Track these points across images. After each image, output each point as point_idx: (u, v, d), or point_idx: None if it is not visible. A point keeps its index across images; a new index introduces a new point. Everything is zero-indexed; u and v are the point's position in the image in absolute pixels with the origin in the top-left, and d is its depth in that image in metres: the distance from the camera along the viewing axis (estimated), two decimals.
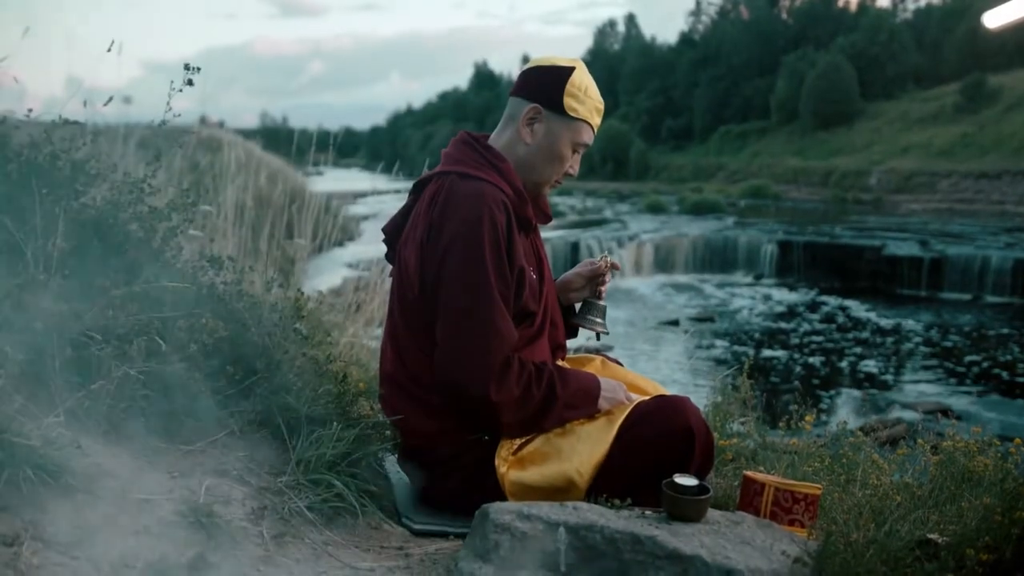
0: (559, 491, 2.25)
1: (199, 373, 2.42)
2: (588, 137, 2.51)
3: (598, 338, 2.75)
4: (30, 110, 2.60)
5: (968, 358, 15.68)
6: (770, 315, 19.73)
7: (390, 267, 2.60)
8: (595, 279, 2.73)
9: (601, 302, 2.73)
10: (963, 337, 17.31)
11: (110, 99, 2.67)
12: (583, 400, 2.40)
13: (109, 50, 2.64)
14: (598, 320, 2.71)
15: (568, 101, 2.44)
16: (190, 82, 2.60)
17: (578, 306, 2.77)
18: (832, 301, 21.06)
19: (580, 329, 2.76)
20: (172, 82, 2.60)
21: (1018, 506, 1.99)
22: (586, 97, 2.46)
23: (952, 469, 2.51)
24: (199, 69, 2.60)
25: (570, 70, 2.46)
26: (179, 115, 2.66)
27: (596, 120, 2.51)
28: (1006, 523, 1.97)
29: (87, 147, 2.62)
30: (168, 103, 2.63)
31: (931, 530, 2.12)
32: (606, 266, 2.71)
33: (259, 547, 2.00)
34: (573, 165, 2.54)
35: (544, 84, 2.46)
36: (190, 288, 2.59)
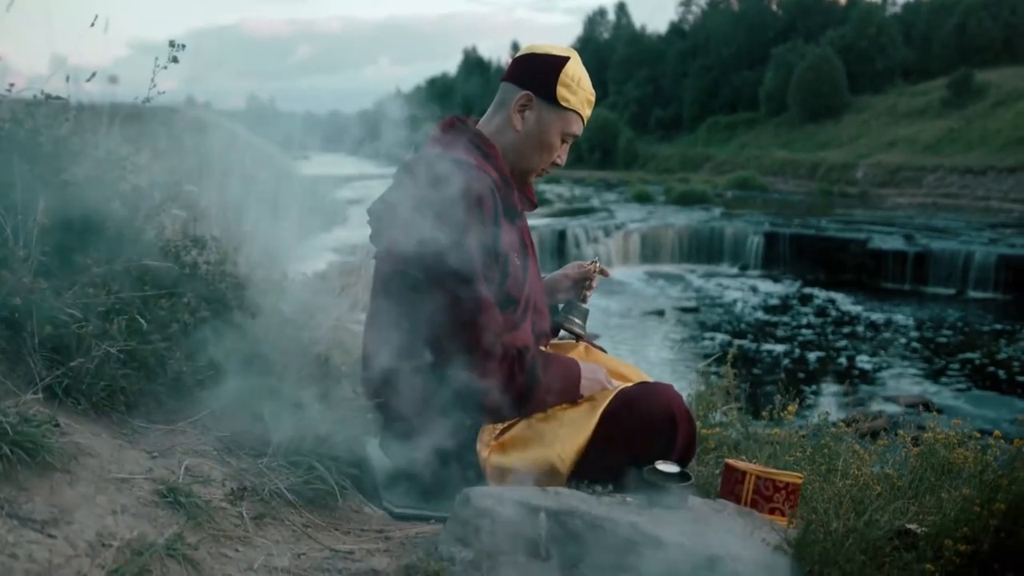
0: (541, 476, 2.25)
1: (180, 353, 2.41)
2: (578, 128, 2.51)
3: (577, 340, 2.74)
4: (12, 85, 2.57)
5: (950, 352, 15.80)
6: (755, 306, 19.81)
7: (374, 249, 2.58)
8: (582, 282, 2.74)
9: (584, 305, 2.74)
10: (946, 331, 17.42)
11: (93, 75, 2.64)
12: (565, 385, 2.39)
13: (93, 25, 2.61)
14: (577, 322, 2.71)
15: (561, 91, 2.44)
16: (175, 59, 2.58)
17: (561, 306, 2.77)
18: (817, 293, 21.16)
19: (560, 330, 2.75)
20: (157, 59, 2.57)
21: (996, 498, 2.00)
22: (578, 88, 2.46)
23: (932, 461, 2.52)
24: (184, 46, 2.58)
25: (564, 60, 2.46)
26: (163, 93, 2.63)
27: (587, 112, 2.51)
28: (984, 514, 1.98)
29: (70, 124, 2.60)
30: (153, 81, 2.61)
31: (910, 520, 2.13)
32: (595, 271, 2.72)
33: (238, 528, 1.99)
34: (561, 155, 2.54)
35: (538, 72, 2.46)
36: (172, 267, 2.57)
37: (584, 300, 2.74)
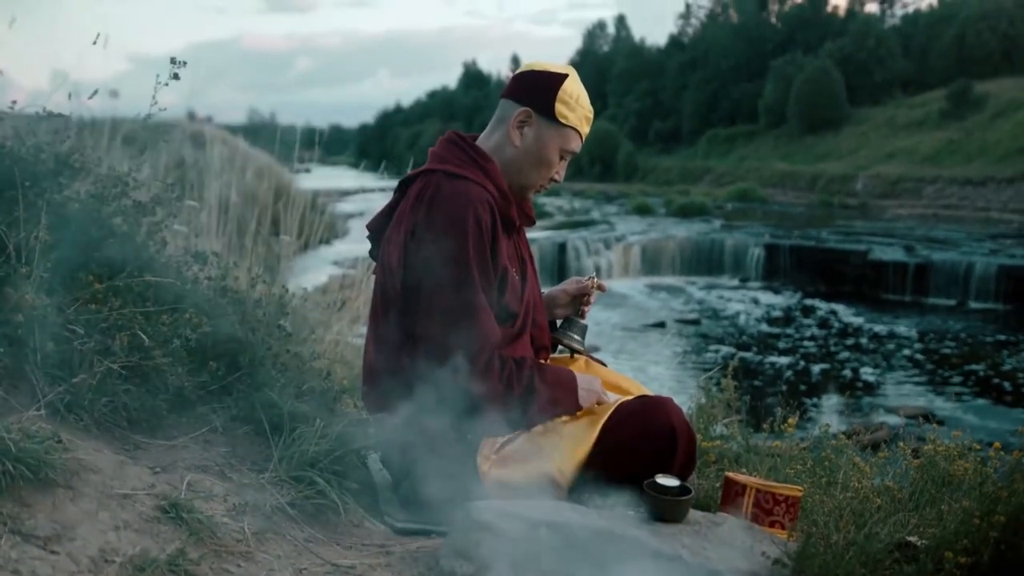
0: (541, 490, 2.25)
1: (182, 368, 2.41)
2: (576, 145, 2.52)
3: (572, 356, 2.75)
4: (14, 102, 2.59)
5: (951, 363, 15.77)
6: (756, 318, 19.80)
7: (374, 264, 2.60)
8: (580, 297, 2.74)
9: (583, 321, 2.74)
10: (947, 342, 17.40)
11: (95, 92, 2.66)
12: (562, 395, 2.40)
13: (95, 43, 2.63)
14: (576, 338, 2.71)
15: (559, 108, 2.46)
16: (176, 76, 2.60)
17: (559, 322, 2.78)
18: (818, 305, 21.14)
19: (558, 345, 2.76)
20: (158, 76, 2.59)
21: (996, 510, 2.00)
22: (577, 105, 2.48)
23: (932, 473, 2.53)
24: (185, 63, 2.60)
25: (563, 77, 2.48)
26: (164, 109, 2.65)
27: (585, 129, 2.53)
28: (984, 526, 1.98)
29: (71, 140, 2.61)
30: (154, 97, 2.62)
31: (910, 533, 2.13)
32: (593, 286, 2.73)
33: (240, 543, 1.99)
34: (559, 171, 2.56)
35: (537, 89, 2.48)
36: (174, 283, 2.58)
37: (582, 315, 2.75)
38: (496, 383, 2.29)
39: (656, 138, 65.94)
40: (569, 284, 2.78)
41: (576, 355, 2.75)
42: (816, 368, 15.41)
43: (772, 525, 2.27)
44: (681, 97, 65.95)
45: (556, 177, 2.56)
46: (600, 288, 2.74)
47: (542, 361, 2.61)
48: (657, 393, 2.57)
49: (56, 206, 2.42)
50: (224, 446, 2.36)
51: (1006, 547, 1.96)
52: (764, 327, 18.93)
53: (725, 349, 16.43)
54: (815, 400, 13.19)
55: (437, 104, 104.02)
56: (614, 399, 2.46)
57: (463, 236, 2.29)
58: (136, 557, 1.74)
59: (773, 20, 67.40)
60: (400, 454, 2.43)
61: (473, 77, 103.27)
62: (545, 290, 2.80)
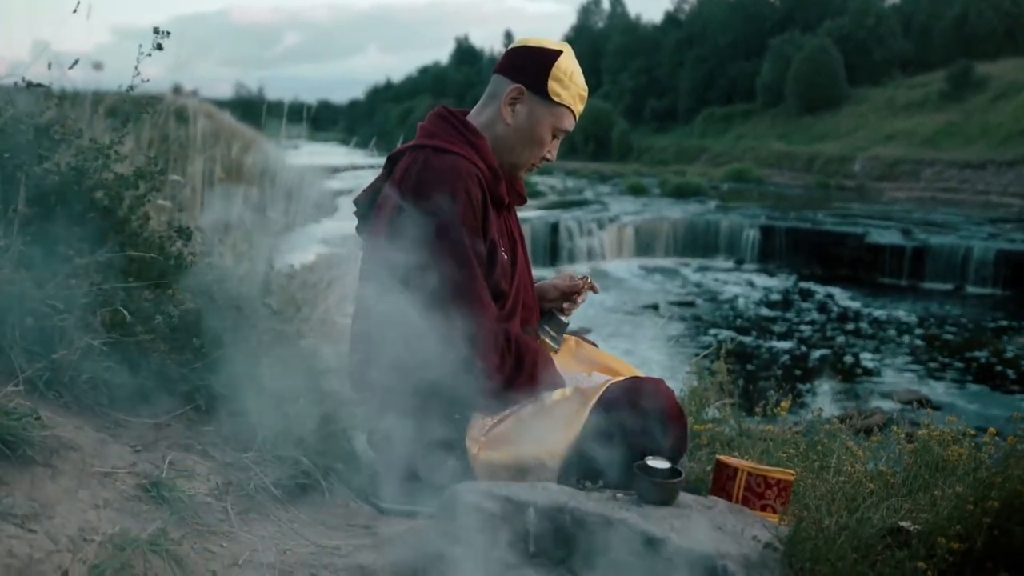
0: (530, 472, 2.23)
1: (164, 345, 2.39)
2: (569, 123, 2.49)
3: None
4: None
5: (948, 348, 15.77)
6: (751, 301, 19.79)
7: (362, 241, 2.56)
8: (570, 295, 2.71)
9: (564, 318, 2.70)
10: (943, 327, 17.40)
11: (76, 62, 2.62)
12: (544, 364, 2.39)
13: (75, 11, 2.59)
14: (552, 334, 2.67)
15: (552, 85, 2.42)
16: (159, 47, 2.56)
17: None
18: (813, 288, 21.13)
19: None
20: (140, 46, 2.55)
21: (990, 495, 1.99)
22: (571, 83, 2.45)
23: (926, 458, 2.51)
24: (168, 33, 2.56)
25: (557, 54, 2.44)
26: (147, 81, 2.61)
27: (579, 107, 2.50)
28: (977, 512, 1.96)
29: (52, 111, 2.57)
30: (136, 68, 2.58)
31: (903, 518, 2.12)
32: (585, 286, 2.69)
33: (223, 523, 1.98)
34: (551, 150, 2.53)
35: (530, 65, 2.44)
36: (157, 259, 2.55)
37: (565, 312, 2.70)
38: (493, 353, 2.26)
39: (651, 117, 65.67)
40: (561, 280, 2.74)
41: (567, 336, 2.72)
42: (810, 352, 15.42)
43: (763, 509, 2.26)
44: (677, 75, 65.64)
45: (548, 156, 2.53)
46: (592, 289, 2.71)
47: None
48: (648, 375, 2.55)
49: (36, 178, 2.38)
50: (207, 424, 2.34)
51: (999, 533, 1.94)
52: (758, 310, 18.93)
53: (719, 332, 16.43)
54: (809, 384, 13.20)
55: (428, 80, 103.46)
56: (604, 380, 2.43)
57: (453, 212, 2.26)
58: (116, 536, 1.72)
59: None
60: (387, 434, 2.40)
61: (465, 53, 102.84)
62: (537, 280, 2.76)
